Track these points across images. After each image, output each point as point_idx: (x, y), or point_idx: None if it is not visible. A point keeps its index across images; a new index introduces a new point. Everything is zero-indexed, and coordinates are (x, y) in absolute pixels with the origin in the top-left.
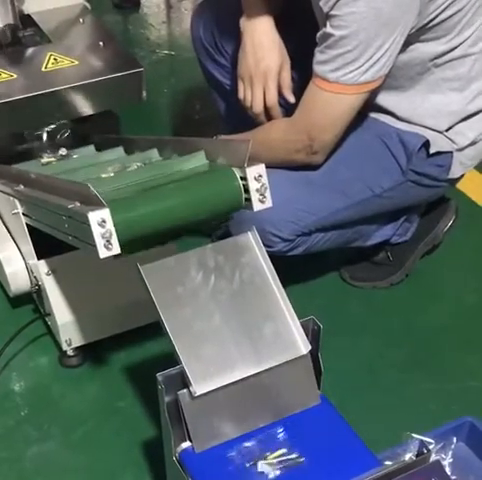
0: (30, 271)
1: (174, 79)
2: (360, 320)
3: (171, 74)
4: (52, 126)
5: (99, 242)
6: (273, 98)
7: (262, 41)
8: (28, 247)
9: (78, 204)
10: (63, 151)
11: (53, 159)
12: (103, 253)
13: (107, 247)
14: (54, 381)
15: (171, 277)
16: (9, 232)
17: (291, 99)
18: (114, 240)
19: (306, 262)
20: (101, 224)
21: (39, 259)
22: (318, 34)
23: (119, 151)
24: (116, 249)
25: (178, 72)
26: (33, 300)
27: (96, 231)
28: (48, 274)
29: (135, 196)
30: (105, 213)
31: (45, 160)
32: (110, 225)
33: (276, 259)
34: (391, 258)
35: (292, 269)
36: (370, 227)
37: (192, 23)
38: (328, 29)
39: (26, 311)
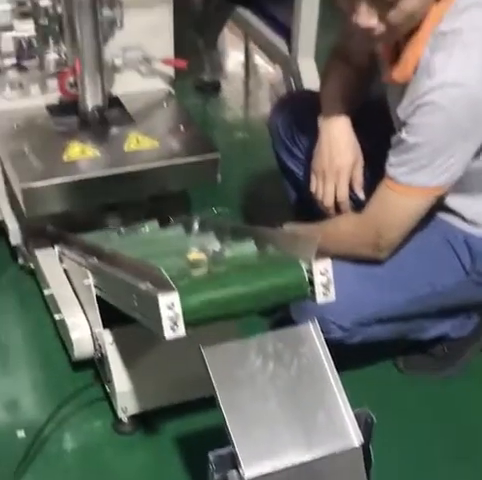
0: (95, 338)
1: (247, 162)
2: (413, 411)
3: (245, 157)
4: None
5: (166, 324)
6: (344, 195)
7: (338, 140)
8: (95, 316)
9: (149, 285)
10: (137, 226)
11: (128, 233)
12: (169, 335)
13: (173, 329)
14: (106, 445)
15: (231, 360)
16: (78, 298)
17: (361, 196)
18: (180, 323)
19: (362, 349)
20: (170, 307)
21: (105, 328)
22: (393, 138)
23: (179, 230)
24: (181, 331)
25: (252, 155)
26: (94, 364)
27: (164, 314)
28: (112, 344)
29: (203, 281)
30: (174, 297)
31: (121, 233)
32: (178, 309)
33: (332, 346)
34: (447, 351)
35: (347, 356)
36: (428, 321)
37: (272, 114)
38: (403, 135)
39: (86, 375)
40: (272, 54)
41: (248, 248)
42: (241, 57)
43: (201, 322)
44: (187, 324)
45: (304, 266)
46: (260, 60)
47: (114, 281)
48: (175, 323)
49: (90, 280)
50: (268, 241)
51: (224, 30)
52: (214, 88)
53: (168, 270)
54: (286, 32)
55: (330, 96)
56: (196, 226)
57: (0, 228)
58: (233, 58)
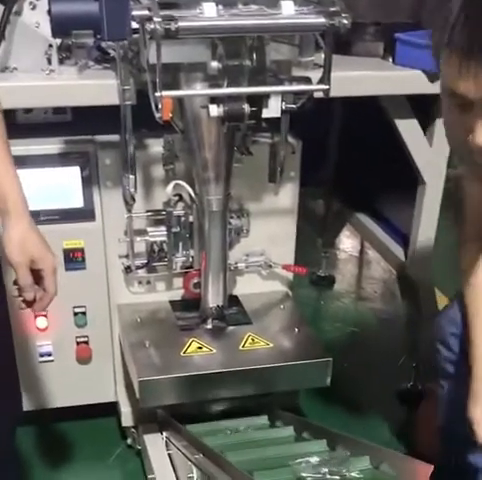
0: None
1: (355, 354)
2: None
3: (353, 349)
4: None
5: None
6: None
7: None
8: None
9: None
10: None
11: (236, 429)
12: None
13: None
14: None
15: None
16: None
17: None
18: None
19: None
20: None
21: None
22: None
23: (289, 431)
24: None
25: (359, 348)
26: None
27: None
28: None
29: None
30: None
31: (230, 430)
32: None
33: None
34: None
35: None
36: None
37: None
38: None
39: None
40: (388, 258)
41: (362, 464)
42: (357, 254)
43: None
44: None
45: None
46: (374, 256)
47: None
48: None
49: (194, 475)
50: (382, 459)
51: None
52: (329, 282)
53: None
54: (402, 237)
55: None
56: (306, 429)
57: (114, 407)
58: (350, 255)
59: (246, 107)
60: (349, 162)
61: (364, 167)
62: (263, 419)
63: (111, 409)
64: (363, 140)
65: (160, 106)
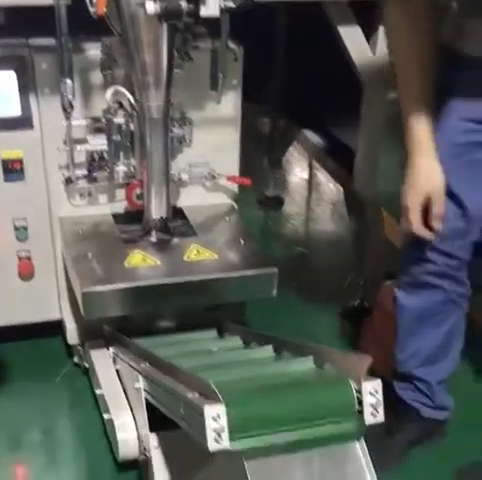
0: (141, 441)
1: (304, 275)
2: None
3: (302, 270)
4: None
5: (210, 435)
6: None
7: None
8: (143, 419)
9: (196, 394)
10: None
11: (184, 341)
12: (212, 446)
13: (217, 441)
14: None
15: (274, 476)
16: (128, 400)
17: None
18: (225, 435)
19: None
20: (215, 419)
21: (151, 431)
22: None
23: (237, 341)
24: (225, 444)
25: (308, 269)
26: (139, 467)
27: (209, 425)
28: (157, 447)
29: (251, 396)
30: (221, 409)
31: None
32: (224, 421)
33: None
34: None
35: None
36: None
37: None
38: None
39: (130, 476)
40: (335, 174)
41: (305, 364)
42: (305, 175)
43: (246, 437)
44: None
45: (353, 386)
46: (323, 178)
47: (163, 388)
48: (219, 435)
49: (141, 384)
50: (325, 359)
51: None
52: (276, 203)
53: (218, 383)
54: (349, 154)
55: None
56: (253, 339)
57: (59, 326)
58: (297, 175)
59: (183, 3)
60: (295, 79)
61: (311, 84)
62: (212, 332)
63: (56, 328)
64: (309, 56)
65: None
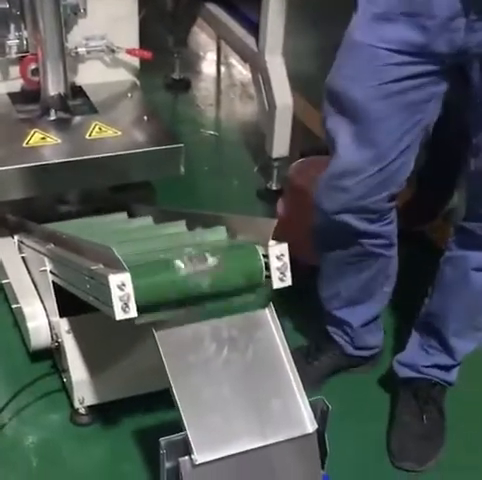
0: (51, 328)
1: (215, 158)
2: (373, 406)
3: (213, 153)
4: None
5: (117, 304)
6: None
7: None
8: (52, 304)
9: (101, 266)
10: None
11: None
12: (119, 315)
13: (124, 310)
14: (62, 438)
15: (184, 345)
16: (36, 288)
17: None
18: (132, 304)
19: None
20: (120, 287)
21: (61, 317)
22: None
23: (148, 220)
24: (133, 313)
25: (220, 152)
26: (52, 355)
27: (115, 293)
28: (68, 332)
29: (156, 263)
30: (125, 277)
31: (79, 223)
32: (129, 289)
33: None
34: None
35: None
36: None
37: None
38: None
39: (44, 365)
40: (241, 51)
41: (218, 235)
42: (213, 56)
43: (153, 304)
44: (141, 308)
45: (260, 250)
46: (232, 60)
47: (69, 264)
48: (126, 304)
49: (47, 266)
50: (236, 228)
51: (196, 29)
52: (184, 86)
53: (126, 255)
54: (255, 29)
55: None
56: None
57: None
58: (205, 57)
59: None
60: None
61: None
62: (122, 215)
63: None
64: None
65: None
